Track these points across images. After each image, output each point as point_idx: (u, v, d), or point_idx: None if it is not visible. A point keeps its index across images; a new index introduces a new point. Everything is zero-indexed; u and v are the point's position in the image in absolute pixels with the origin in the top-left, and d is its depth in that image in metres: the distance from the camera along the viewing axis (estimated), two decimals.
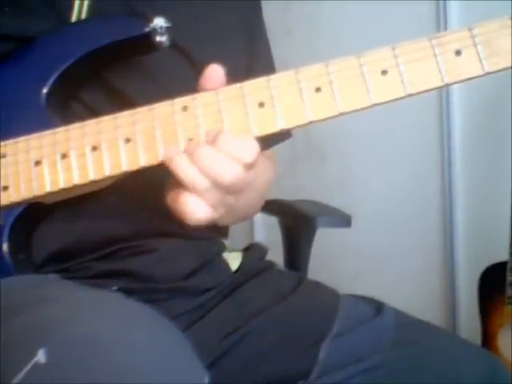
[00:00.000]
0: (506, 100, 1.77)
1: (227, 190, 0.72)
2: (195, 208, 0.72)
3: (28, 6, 0.87)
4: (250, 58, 0.98)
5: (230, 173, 0.71)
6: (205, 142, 0.72)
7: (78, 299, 0.74)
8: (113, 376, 0.61)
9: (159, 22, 0.81)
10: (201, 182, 0.71)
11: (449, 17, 1.92)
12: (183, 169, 0.72)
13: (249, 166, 0.72)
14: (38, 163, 0.77)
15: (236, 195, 0.74)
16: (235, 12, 0.98)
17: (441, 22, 1.94)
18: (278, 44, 1.10)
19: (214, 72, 0.75)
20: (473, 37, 0.70)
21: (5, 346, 0.66)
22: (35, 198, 0.78)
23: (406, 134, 2.04)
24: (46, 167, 0.77)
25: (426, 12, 1.96)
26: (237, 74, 0.92)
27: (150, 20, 0.80)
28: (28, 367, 0.62)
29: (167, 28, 0.80)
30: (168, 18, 0.81)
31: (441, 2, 1.94)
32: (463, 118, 1.98)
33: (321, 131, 2.00)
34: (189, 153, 0.72)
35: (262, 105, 0.73)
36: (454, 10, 1.92)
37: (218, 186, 0.71)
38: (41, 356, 0.62)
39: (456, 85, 1.99)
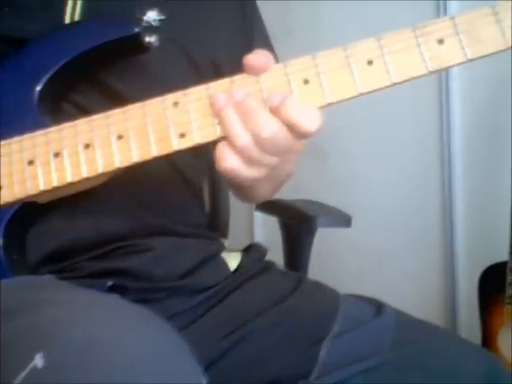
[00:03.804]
0: (506, 99, 1.77)
1: (265, 148, 0.72)
2: (232, 166, 0.72)
3: (22, 7, 0.87)
4: (248, 52, 0.99)
5: (271, 129, 0.71)
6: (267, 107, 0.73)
7: (75, 302, 0.73)
8: (110, 378, 0.61)
9: (152, 15, 0.81)
10: (242, 138, 0.71)
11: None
12: (230, 122, 0.72)
13: (304, 136, 0.72)
14: (31, 163, 0.78)
15: (278, 157, 0.73)
16: (228, 10, 0.99)
17: None
18: (279, 44, 1.10)
19: (255, 61, 0.75)
20: (455, 26, 0.73)
21: (5, 348, 0.66)
22: (29, 197, 0.78)
23: (406, 133, 2.04)
24: (39, 166, 0.77)
25: (426, 12, 1.96)
26: (235, 69, 0.92)
27: (143, 13, 0.81)
28: (26, 371, 0.62)
29: (160, 21, 0.81)
30: (161, 12, 0.81)
31: (441, 2, 1.95)
32: (463, 117, 1.98)
33: (322, 131, 2.00)
34: (236, 104, 0.72)
35: None
36: (454, 10, 1.92)
37: (257, 141, 0.71)
38: (38, 360, 0.62)
39: (456, 84, 1.99)
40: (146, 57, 0.84)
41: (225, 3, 0.99)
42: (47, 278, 0.82)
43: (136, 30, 0.81)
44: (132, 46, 0.83)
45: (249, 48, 0.99)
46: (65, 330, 0.65)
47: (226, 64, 0.94)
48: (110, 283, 0.84)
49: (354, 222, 1.35)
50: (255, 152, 0.72)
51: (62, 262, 0.86)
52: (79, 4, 0.87)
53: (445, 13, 1.93)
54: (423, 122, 2.03)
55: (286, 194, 1.37)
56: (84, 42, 0.83)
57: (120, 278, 0.86)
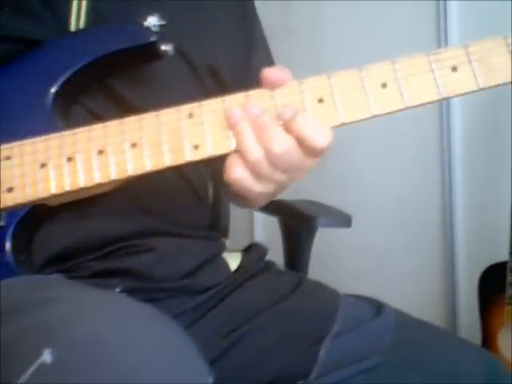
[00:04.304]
0: (506, 100, 1.77)
1: (276, 165, 0.73)
2: (241, 177, 0.73)
3: (26, 7, 0.87)
4: (248, 52, 0.99)
5: (284, 146, 0.72)
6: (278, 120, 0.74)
7: (82, 299, 0.74)
8: (117, 375, 0.61)
9: (152, 20, 0.82)
10: (254, 153, 0.72)
11: (449, 17, 1.93)
12: (244, 137, 0.73)
13: (313, 153, 0.73)
14: (43, 166, 0.78)
15: (287, 174, 0.75)
16: (229, 10, 0.99)
17: (441, 22, 1.94)
18: (279, 44, 1.10)
19: (272, 75, 0.76)
20: (468, 54, 0.74)
21: (9, 346, 0.66)
22: (40, 200, 0.78)
23: (406, 134, 2.04)
24: (51, 170, 0.77)
25: (426, 12, 1.96)
26: (235, 69, 0.92)
27: (144, 19, 0.81)
28: (34, 367, 0.62)
29: (161, 26, 0.81)
30: (165, 18, 0.82)
31: (441, 2, 1.95)
32: (463, 117, 1.98)
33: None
34: (251, 119, 0.73)
35: None
36: (454, 10, 1.93)
37: (268, 157, 0.72)
38: (46, 356, 0.62)
39: None
40: (152, 63, 0.85)
41: (226, 3, 0.99)
42: (54, 277, 0.82)
43: (152, 38, 0.82)
44: (147, 53, 0.84)
45: (248, 48, 0.99)
46: (72, 326, 0.66)
47: (224, 69, 0.94)
48: (118, 289, 0.85)
49: (354, 222, 1.35)
50: (266, 167, 0.73)
51: (66, 263, 0.86)
52: (84, 4, 0.87)
53: (445, 13, 1.93)
54: (423, 124, 2.03)
55: (286, 194, 1.37)
56: (100, 47, 0.83)
57: (123, 278, 0.87)
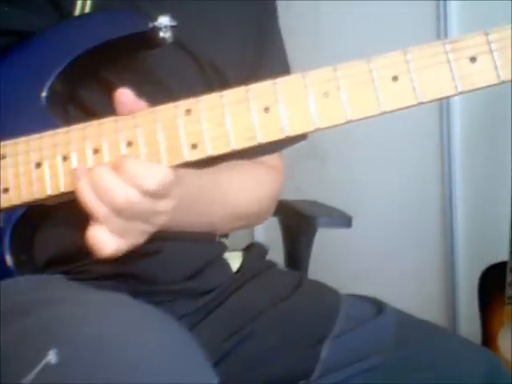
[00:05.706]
0: (506, 100, 1.77)
1: (126, 216, 0.70)
2: (102, 240, 0.71)
3: (31, 4, 0.86)
4: (258, 53, 0.98)
5: (122, 196, 0.69)
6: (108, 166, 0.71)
7: (86, 299, 0.74)
8: (122, 376, 0.61)
9: (164, 20, 0.79)
10: (99, 209, 0.70)
11: (449, 17, 1.93)
12: (84, 193, 0.71)
13: (152, 194, 0.70)
14: (38, 165, 0.76)
15: (147, 221, 0.72)
16: (243, 9, 0.97)
17: (441, 22, 1.94)
18: None
19: (123, 96, 0.73)
20: (489, 43, 0.66)
21: (14, 347, 0.66)
22: (36, 200, 0.77)
23: (406, 134, 2.04)
24: (46, 169, 0.75)
25: (426, 12, 1.96)
26: (242, 69, 0.91)
27: (155, 18, 0.79)
28: (39, 367, 0.62)
29: (172, 27, 0.80)
30: (173, 15, 0.80)
31: (441, 2, 1.94)
32: (463, 118, 1.98)
33: (321, 132, 2.00)
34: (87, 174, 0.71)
35: (267, 110, 0.70)
36: (454, 9, 1.93)
37: (115, 211, 0.70)
38: (52, 356, 0.62)
39: None
40: (153, 57, 0.83)
41: (240, 10, 0.96)
42: (56, 277, 0.82)
43: (150, 25, 0.79)
44: (145, 41, 0.81)
45: (260, 51, 0.97)
46: (75, 327, 0.65)
47: (228, 69, 0.92)
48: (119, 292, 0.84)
49: (354, 222, 1.35)
50: (117, 221, 0.70)
51: (68, 265, 0.86)
52: (89, 2, 0.86)
53: (445, 13, 1.93)
54: (423, 125, 2.03)
55: (286, 194, 1.37)
56: (96, 36, 0.81)
57: (125, 281, 0.86)
